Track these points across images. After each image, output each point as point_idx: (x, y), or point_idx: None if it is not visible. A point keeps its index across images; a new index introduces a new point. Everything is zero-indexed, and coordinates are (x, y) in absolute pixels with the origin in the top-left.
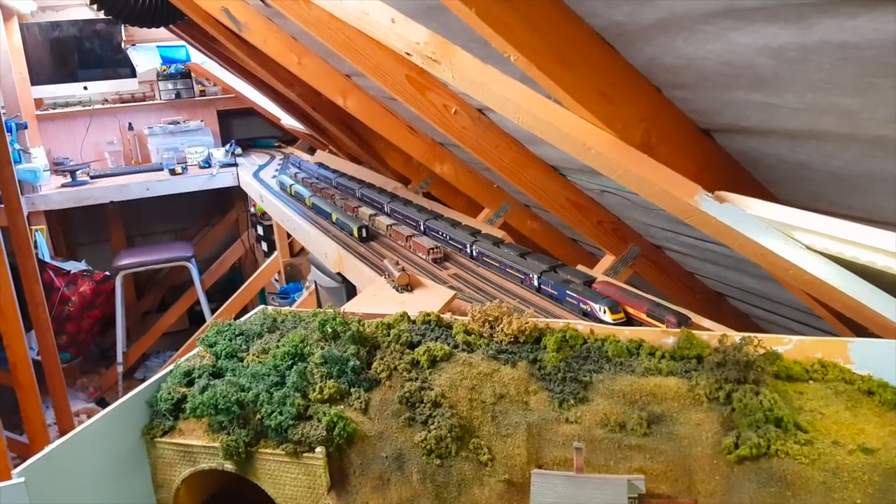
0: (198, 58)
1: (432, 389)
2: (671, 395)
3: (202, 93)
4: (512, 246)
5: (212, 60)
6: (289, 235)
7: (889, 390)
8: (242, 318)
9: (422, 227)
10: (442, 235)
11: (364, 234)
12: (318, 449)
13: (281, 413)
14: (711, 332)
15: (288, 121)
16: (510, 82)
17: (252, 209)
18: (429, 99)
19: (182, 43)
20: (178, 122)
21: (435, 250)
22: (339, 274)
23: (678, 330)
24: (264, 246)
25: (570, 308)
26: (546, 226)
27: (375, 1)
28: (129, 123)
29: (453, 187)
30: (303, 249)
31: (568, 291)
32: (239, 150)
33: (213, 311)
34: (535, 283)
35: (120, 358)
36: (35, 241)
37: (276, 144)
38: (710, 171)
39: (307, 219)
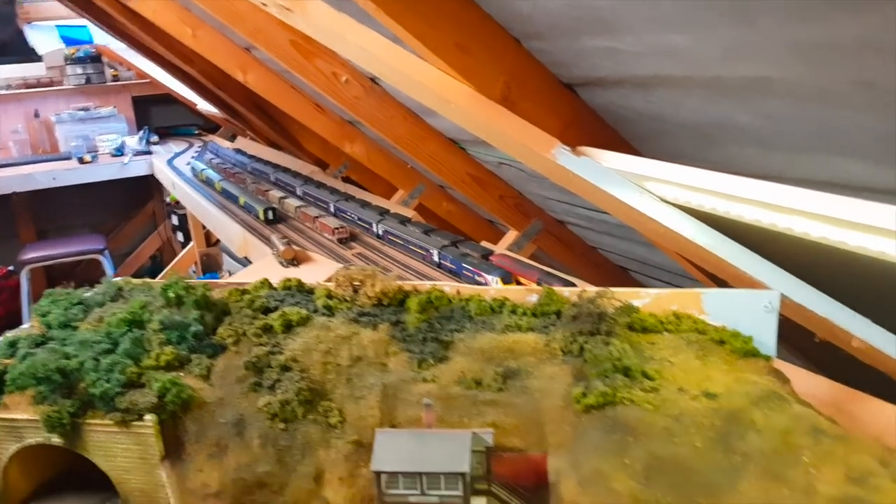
0: (102, 38)
1: (282, 354)
2: (528, 351)
3: (115, 78)
4: (418, 224)
5: (116, 40)
6: (205, 226)
7: (739, 339)
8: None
9: (332, 209)
10: (350, 216)
11: (271, 217)
12: (149, 417)
13: (107, 381)
14: (572, 289)
15: (204, 106)
16: (367, 32)
17: (167, 199)
18: (316, 66)
19: (84, 22)
20: (89, 109)
21: (340, 230)
22: (246, 258)
23: (540, 288)
24: (180, 236)
25: (467, 281)
26: (462, 208)
27: None
28: (36, 110)
29: (372, 172)
30: (220, 239)
31: (464, 265)
32: (155, 139)
33: None
34: (436, 258)
35: None
36: None
37: (197, 132)
38: (576, 128)
39: (216, 204)
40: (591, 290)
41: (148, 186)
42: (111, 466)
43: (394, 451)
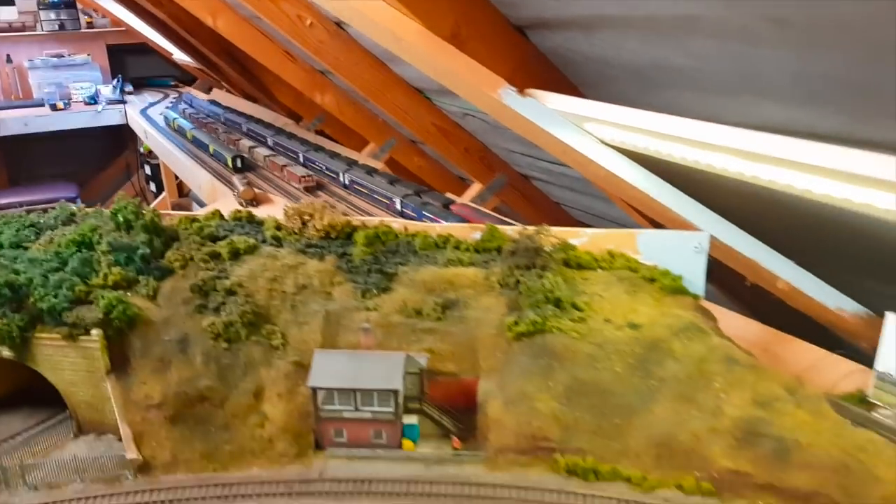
0: None
1: (228, 279)
2: (468, 283)
3: (89, 24)
4: (384, 175)
5: None
6: (177, 177)
7: (669, 277)
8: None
9: (301, 159)
10: (318, 166)
11: (239, 165)
12: (95, 331)
13: (55, 296)
14: (514, 227)
15: (180, 56)
16: None
17: (141, 149)
18: (281, 8)
19: None
20: (63, 56)
21: (307, 178)
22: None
23: (483, 225)
24: (153, 187)
25: None
26: (433, 163)
27: None
28: (8, 55)
29: (346, 126)
30: (190, 189)
31: (425, 213)
32: (130, 88)
33: None
34: (398, 206)
35: None
36: None
37: (173, 84)
38: (525, 71)
39: (187, 152)
40: (531, 228)
41: (122, 137)
42: (59, 379)
43: (330, 370)
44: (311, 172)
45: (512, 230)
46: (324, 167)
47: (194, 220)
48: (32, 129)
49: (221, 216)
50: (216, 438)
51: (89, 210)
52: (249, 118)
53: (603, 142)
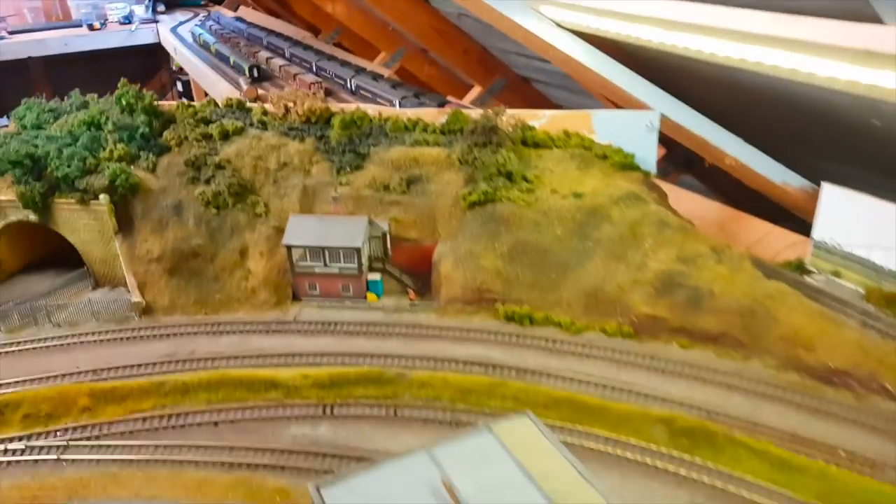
0: None
1: (218, 156)
2: (431, 161)
3: None
4: (388, 80)
5: None
6: (206, 94)
7: (620, 155)
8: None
9: (313, 68)
10: (329, 74)
11: (256, 74)
12: (103, 197)
13: (69, 166)
14: (476, 109)
15: None
16: None
17: (172, 66)
18: None
19: None
20: None
21: (315, 84)
22: None
23: (448, 109)
24: (185, 101)
25: None
26: (443, 71)
27: None
28: None
29: (361, 38)
30: (213, 98)
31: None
32: (162, 8)
33: None
34: (397, 106)
35: None
36: None
37: (203, 3)
38: None
39: (210, 65)
40: (490, 109)
41: (157, 57)
42: (77, 239)
43: (302, 231)
44: (320, 79)
45: (474, 112)
46: (333, 74)
47: (190, 106)
48: (72, 49)
49: (215, 104)
50: (207, 288)
51: (104, 99)
52: (270, 32)
53: (558, 24)
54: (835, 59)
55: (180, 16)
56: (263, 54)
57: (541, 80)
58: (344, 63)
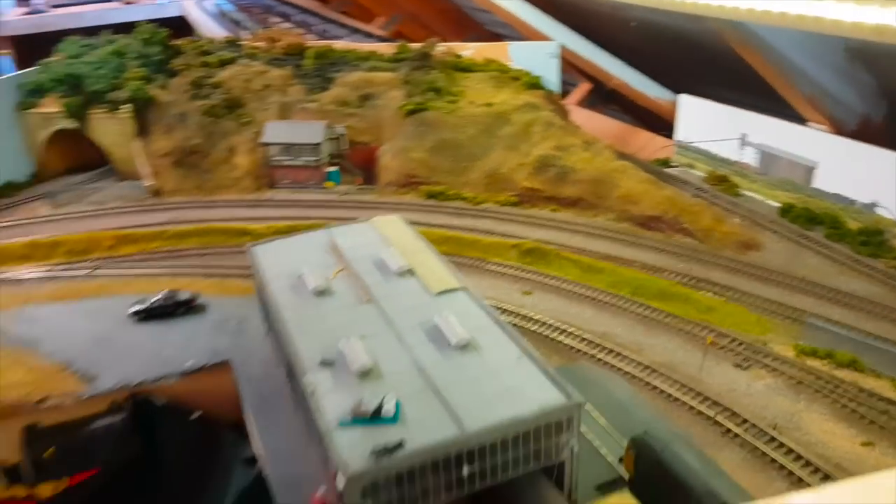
0: None
1: (214, 78)
2: (382, 82)
3: None
4: (378, 37)
5: None
6: None
7: (529, 77)
8: None
9: (313, 31)
10: (327, 36)
11: None
12: (125, 107)
13: (100, 83)
14: (419, 43)
15: None
16: None
17: (194, 37)
18: None
19: None
20: None
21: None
22: None
23: (396, 43)
24: None
25: None
26: (431, 32)
27: None
28: None
29: (365, 8)
30: None
31: None
32: None
33: None
34: None
35: None
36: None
37: None
38: None
39: (226, 29)
40: (427, 41)
41: (185, 31)
42: (107, 142)
43: (276, 133)
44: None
45: (416, 46)
46: (332, 36)
47: (195, 41)
48: (105, 21)
49: (213, 41)
50: (203, 177)
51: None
52: (285, 2)
53: None
54: None
55: None
56: (273, 20)
57: (506, 34)
58: (342, 26)
